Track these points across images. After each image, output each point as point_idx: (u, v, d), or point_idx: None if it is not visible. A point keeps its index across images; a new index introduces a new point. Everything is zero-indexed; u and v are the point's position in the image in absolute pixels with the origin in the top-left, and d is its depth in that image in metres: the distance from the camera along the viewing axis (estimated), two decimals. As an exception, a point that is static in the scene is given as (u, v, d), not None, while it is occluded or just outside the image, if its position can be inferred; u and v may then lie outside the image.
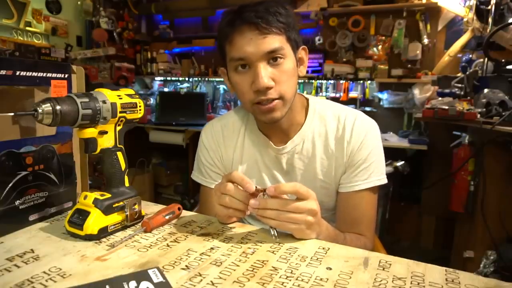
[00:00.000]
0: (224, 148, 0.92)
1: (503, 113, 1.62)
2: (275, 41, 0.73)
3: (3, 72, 0.61)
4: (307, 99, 0.89)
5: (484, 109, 1.78)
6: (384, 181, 0.84)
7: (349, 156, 0.83)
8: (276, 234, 0.64)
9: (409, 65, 2.74)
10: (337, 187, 0.86)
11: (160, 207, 0.77)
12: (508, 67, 1.92)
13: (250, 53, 0.73)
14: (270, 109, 0.76)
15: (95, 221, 0.61)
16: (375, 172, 0.83)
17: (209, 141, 0.93)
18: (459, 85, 2.18)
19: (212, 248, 0.60)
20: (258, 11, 0.72)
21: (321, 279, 0.51)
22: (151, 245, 0.61)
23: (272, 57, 0.74)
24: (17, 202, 0.64)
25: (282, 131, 0.86)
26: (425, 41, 2.67)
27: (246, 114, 0.93)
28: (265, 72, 0.73)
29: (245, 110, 0.93)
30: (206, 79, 3.53)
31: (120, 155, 0.67)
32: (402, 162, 2.29)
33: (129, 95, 0.67)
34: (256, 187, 0.63)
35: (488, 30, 2.08)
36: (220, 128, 0.93)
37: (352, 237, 0.79)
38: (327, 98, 2.51)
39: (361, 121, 0.85)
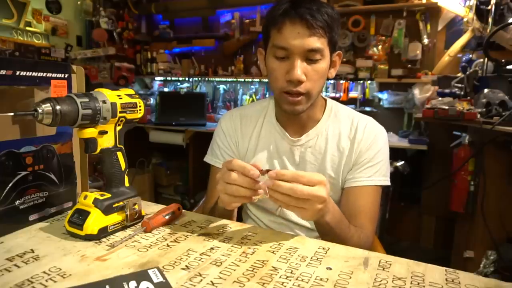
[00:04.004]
0: (241, 136, 0.97)
1: (503, 113, 1.62)
2: (318, 41, 0.78)
3: (3, 72, 0.61)
4: (325, 100, 0.95)
5: (484, 109, 1.78)
6: (387, 183, 0.87)
7: (357, 155, 0.88)
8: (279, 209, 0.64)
9: (409, 65, 2.73)
10: (343, 184, 0.89)
11: (160, 207, 0.77)
12: (508, 67, 1.92)
13: (293, 45, 0.78)
14: (295, 102, 0.82)
15: (95, 221, 0.61)
16: (379, 173, 0.86)
17: (227, 127, 0.98)
18: (459, 85, 2.18)
19: (212, 248, 0.60)
20: (312, 9, 0.77)
21: (321, 279, 0.51)
22: (151, 245, 0.61)
23: (311, 55, 0.79)
24: (17, 202, 0.64)
25: (299, 125, 0.91)
26: (425, 41, 2.66)
27: (265, 107, 0.98)
28: (301, 66, 0.79)
29: (266, 102, 0.98)
30: (206, 79, 3.52)
31: (120, 155, 0.67)
32: (402, 162, 2.29)
33: (129, 95, 0.67)
34: (261, 170, 0.62)
35: (488, 30, 2.08)
36: (239, 117, 0.98)
37: (355, 227, 0.79)
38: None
39: (372, 125, 0.91)
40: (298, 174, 0.61)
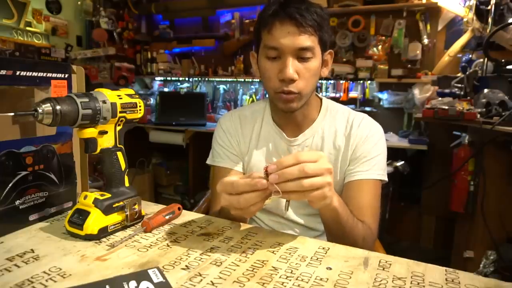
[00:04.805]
0: (242, 135, 0.97)
1: (503, 113, 1.62)
2: (308, 40, 0.79)
3: (3, 72, 0.61)
4: (321, 99, 0.96)
5: (484, 109, 1.78)
6: (384, 178, 0.87)
7: (353, 150, 0.88)
8: (288, 206, 0.63)
9: (409, 65, 2.73)
10: (341, 182, 0.89)
11: (160, 207, 0.77)
12: (508, 67, 1.92)
13: (284, 45, 0.79)
14: (289, 100, 0.83)
15: (95, 221, 0.61)
16: (376, 167, 0.86)
17: (228, 126, 0.98)
18: (459, 85, 2.18)
19: (212, 248, 0.60)
20: (301, 9, 0.78)
21: (321, 279, 0.51)
22: (151, 245, 0.61)
23: (302, 54, 0.80)
24: (17, 202, 0.64)
25: (295, 124, 0.92)
26: (425, 41, 2.66)
27: (263, 107, 0.99)
28: (292, 65, 0.80)
29: (263, 104, 0.99)
30: (206, 79, 3.52)
31: (120, 155, 0.67)
32: (402, 162, 2.29)
33: (129, 95, 0.67)
34: (268, 173, 0.57)
35: (488, 30, 2.08)
36: (238, 117, 0.99)
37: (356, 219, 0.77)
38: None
39: (367, 120, 0.92)
40: (298, 154, 0.57)
